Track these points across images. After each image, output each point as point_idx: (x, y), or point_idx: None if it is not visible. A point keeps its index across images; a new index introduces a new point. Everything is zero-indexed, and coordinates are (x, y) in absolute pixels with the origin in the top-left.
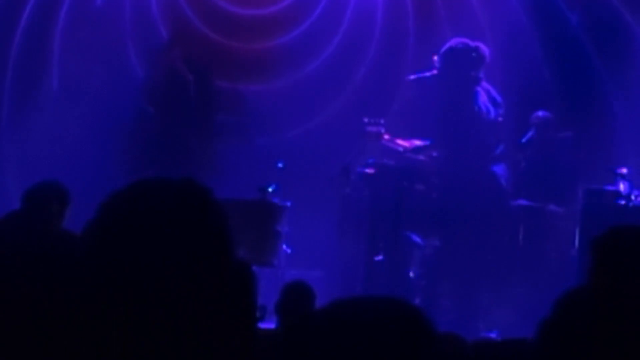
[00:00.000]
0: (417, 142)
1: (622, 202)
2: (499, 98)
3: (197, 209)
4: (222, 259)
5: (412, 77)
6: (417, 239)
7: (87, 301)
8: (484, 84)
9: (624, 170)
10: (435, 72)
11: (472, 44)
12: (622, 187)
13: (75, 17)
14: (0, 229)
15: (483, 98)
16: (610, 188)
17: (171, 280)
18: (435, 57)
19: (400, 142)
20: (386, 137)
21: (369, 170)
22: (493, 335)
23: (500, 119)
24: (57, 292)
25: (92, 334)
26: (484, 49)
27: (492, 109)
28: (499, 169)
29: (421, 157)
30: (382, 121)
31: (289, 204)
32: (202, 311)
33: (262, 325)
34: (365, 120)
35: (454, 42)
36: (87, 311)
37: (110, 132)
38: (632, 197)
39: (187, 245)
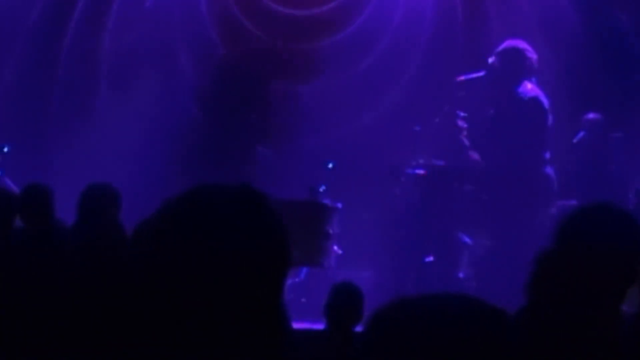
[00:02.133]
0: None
1: None
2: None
3: (254, 214)
4: (279, 263)
5: (462, 77)
6: (467, 239)
7: (145, 302)
8: (537, 87)
9: None
10: (485, 72)
11: (529, 47)
12: None
13: (124, 19)
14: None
15: (538, 99)
16: None
17: (227, 285)
18: (492, 57)
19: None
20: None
21: (419, 171)
22: None
23: (550, 122)
24: (115, 292)
25: (145, 334)
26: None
27: (546, 112)
28: (550, 171)
29: (475, 156)
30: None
31: (339, 205)
32: (256, 316)
33: (312, 326)
34: (462, 114)
35: (515, 42)
36: (143, 311)
37: (160, 135)
38: None
39: (243, 250)
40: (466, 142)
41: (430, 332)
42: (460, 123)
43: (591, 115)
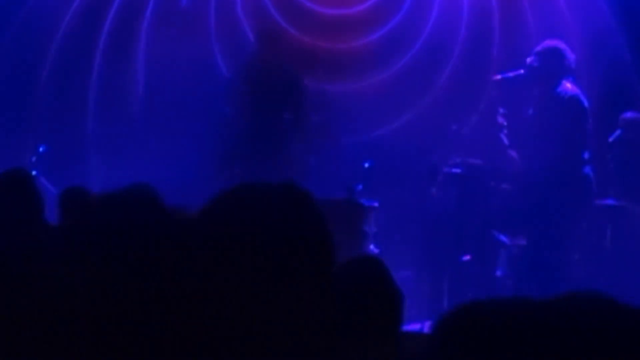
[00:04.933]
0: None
1: None
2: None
3: (297, 213)
4: (322, 261)
5: (498, 76)
6: (504, 238)
7: (185, 302)
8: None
9: None
10: (524, 72)
11: (568, 47)
12: None
13: (160, 19)
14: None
15: (578, 99)
16: None
17: (272, 284)
18: (531, 57)
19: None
20: (505, 131)
21: (456, 170)
22: None
23: (589, 122)
24: (150, 293)
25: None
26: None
27: (586, 111)
28: (588, 171)
29: (514, 155)
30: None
31: (376, 204)
32: (302, 315)
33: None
34: (502, 110)
35: (554, 42)
36: (187, 309)
37: (196, 135)
38: None
39: (288, 249)
40: (505, 140)
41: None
42: (501, 120)
43: (628, 115)
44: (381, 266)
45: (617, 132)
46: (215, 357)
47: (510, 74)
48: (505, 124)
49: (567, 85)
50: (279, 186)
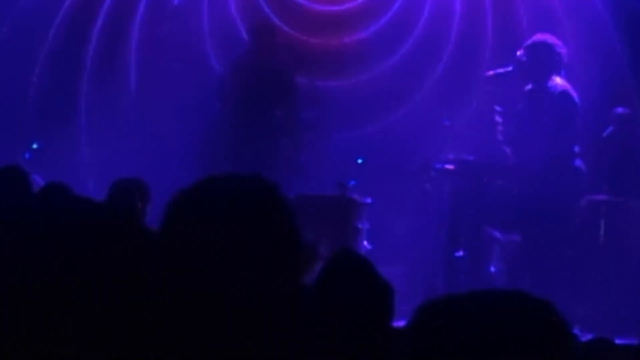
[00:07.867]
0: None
1: None
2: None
3: (265, 205)
4: (290, 253)
5: (491, 72)
6: (497, 234)
7: (161, 292)
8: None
9: None
10: (514, 67)
11: (558, 41)
12: None
13: (153, 14)
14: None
15: (568, 93)
16: None
17: (239, 277)
18: (521, 51)
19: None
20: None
21: (449, 166)
22: (575, 331)
23: (580, 116)
24: (133, 284)
25: (162, 325)
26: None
27: (576, 105)
28: (580, 164)
29: (508, 150)
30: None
31: (369, 200)
32: (267, 306)
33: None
34: (498, 108)
35: (544, 36)
36: (162, 303)
37: (187, 129)
38: None
39: (255, 242)
40: (500, 137)
41: (480, 327)
42: (497, 118)
43: (620, 110)
44: (365, 260)
45: (610, 127)
46: (190, 354)
47: (502, 70)
48: (501, 121)
49: (557, 79)
50: (245, 178)
